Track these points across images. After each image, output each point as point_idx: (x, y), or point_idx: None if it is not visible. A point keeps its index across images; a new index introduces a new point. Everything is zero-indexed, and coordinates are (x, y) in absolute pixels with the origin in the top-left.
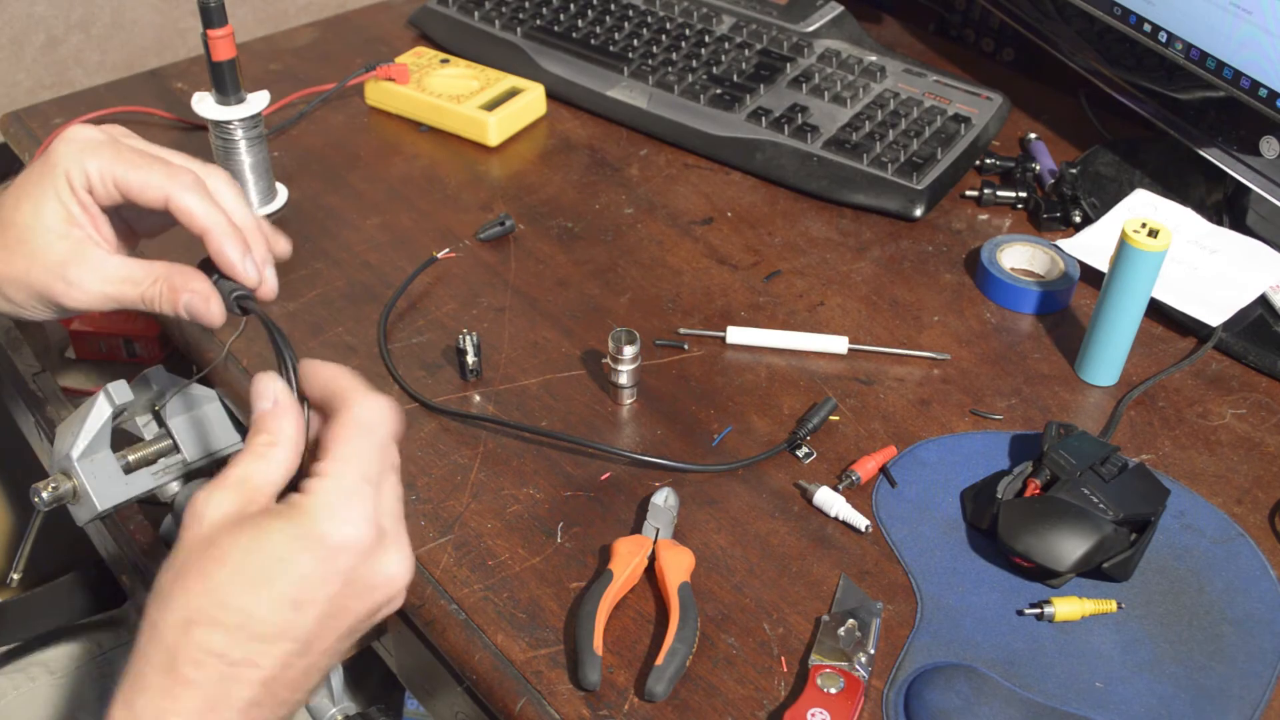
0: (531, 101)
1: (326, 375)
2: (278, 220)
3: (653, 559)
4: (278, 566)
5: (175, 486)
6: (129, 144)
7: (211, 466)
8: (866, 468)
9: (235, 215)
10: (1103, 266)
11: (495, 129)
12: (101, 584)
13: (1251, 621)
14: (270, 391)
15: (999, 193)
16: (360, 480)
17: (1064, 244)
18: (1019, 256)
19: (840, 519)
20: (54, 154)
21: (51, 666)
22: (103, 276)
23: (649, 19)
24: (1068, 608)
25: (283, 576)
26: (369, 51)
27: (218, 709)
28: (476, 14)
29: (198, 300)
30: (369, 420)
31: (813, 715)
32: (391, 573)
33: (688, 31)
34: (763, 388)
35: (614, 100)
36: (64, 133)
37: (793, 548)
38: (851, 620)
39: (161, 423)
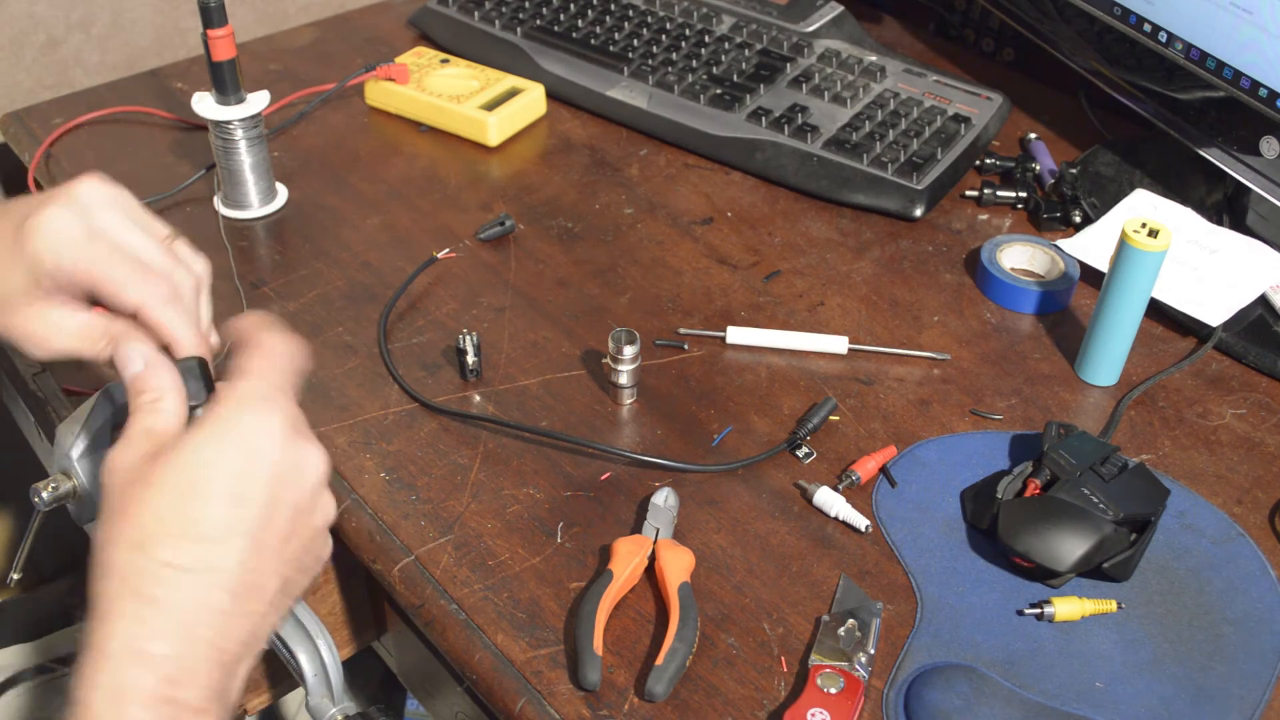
0: (531, 101)
1: (240, 325)
2: (278, 220)
3: (653, 559)
4: (208, 468)
5: None
6: (111, 239)
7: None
8: (866, 468)
9: (201, 324)
10: (1103, 266)
11: (495, 129)
12: None
13: (1251, 621)
14: (136, 355)
15: (999, 193)
16: (270, 385)
17: (1064, 244)
18: (1019, 256)
19: (840, 519)
20: (33, 237)
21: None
22: (63, 333)
23: (649, 19)
24: (1068, 608)
25: (215, 475)
26: (369, 51)
27: (189, 626)
28: (476, 14)
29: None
30: (277, 348)
31: (813, 715)
32: (314, 459)
33: (688, 31)
34: (763, 388)
35: (614, 100)
36: (40, 218)
37: (793, 548)
38: (851, 620)
39: None
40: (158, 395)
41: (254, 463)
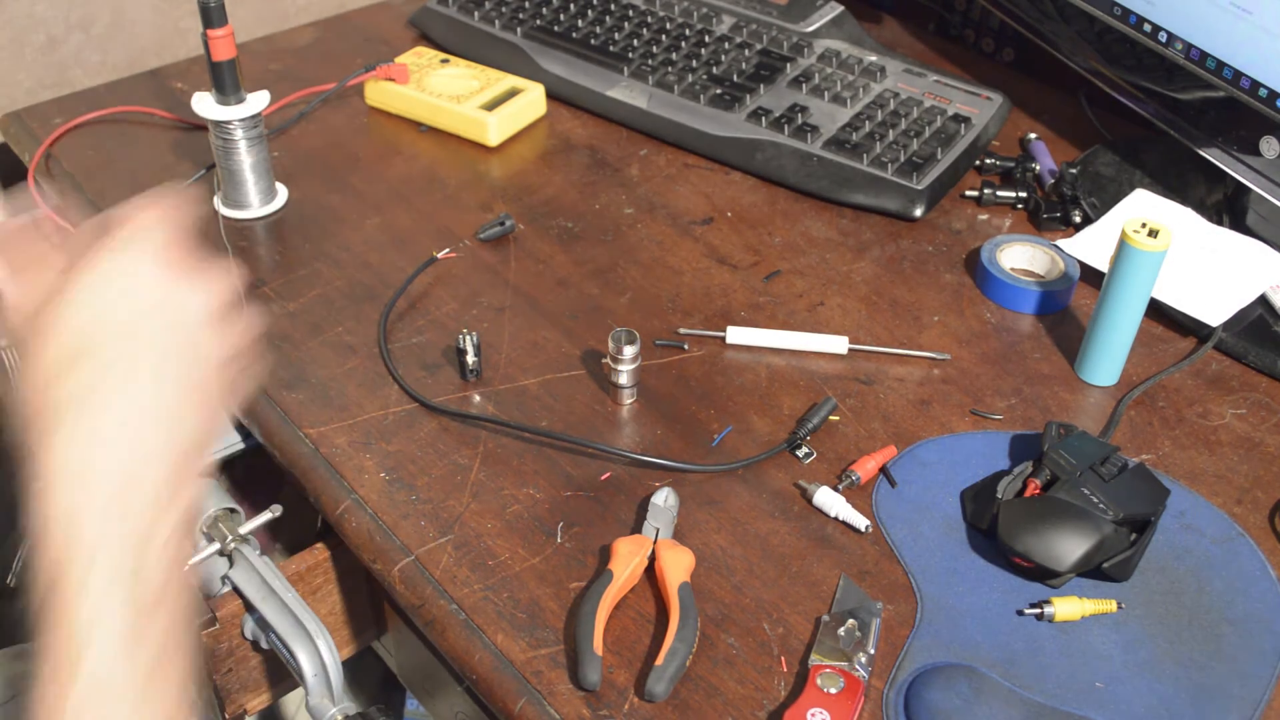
0: (531, 101)
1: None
2: (278, 220)
3: (653, 559)
4: (51, 283)
5: None
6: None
7: (212, 467)
8: (866, 468)
9: None
10: (1103, 266)
11: (495, 129)
12: None
13: (1251, 621)
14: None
15: (999, 193)
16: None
17: (1064, 244)
18: (1019, 256)
19: (840, 519)
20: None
21: None
22: None
23: (649, 19)
24: (1068, 608)
25: (56, 291)
26: (369, 51)
27: (98, 428)
28: (476, 14)
29: None
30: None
31: (813, 715)
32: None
33: (688, 31)
34: (763, 388)
35: (614, 100)
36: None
37: (793, 548)
38: (851, 620)
39: None
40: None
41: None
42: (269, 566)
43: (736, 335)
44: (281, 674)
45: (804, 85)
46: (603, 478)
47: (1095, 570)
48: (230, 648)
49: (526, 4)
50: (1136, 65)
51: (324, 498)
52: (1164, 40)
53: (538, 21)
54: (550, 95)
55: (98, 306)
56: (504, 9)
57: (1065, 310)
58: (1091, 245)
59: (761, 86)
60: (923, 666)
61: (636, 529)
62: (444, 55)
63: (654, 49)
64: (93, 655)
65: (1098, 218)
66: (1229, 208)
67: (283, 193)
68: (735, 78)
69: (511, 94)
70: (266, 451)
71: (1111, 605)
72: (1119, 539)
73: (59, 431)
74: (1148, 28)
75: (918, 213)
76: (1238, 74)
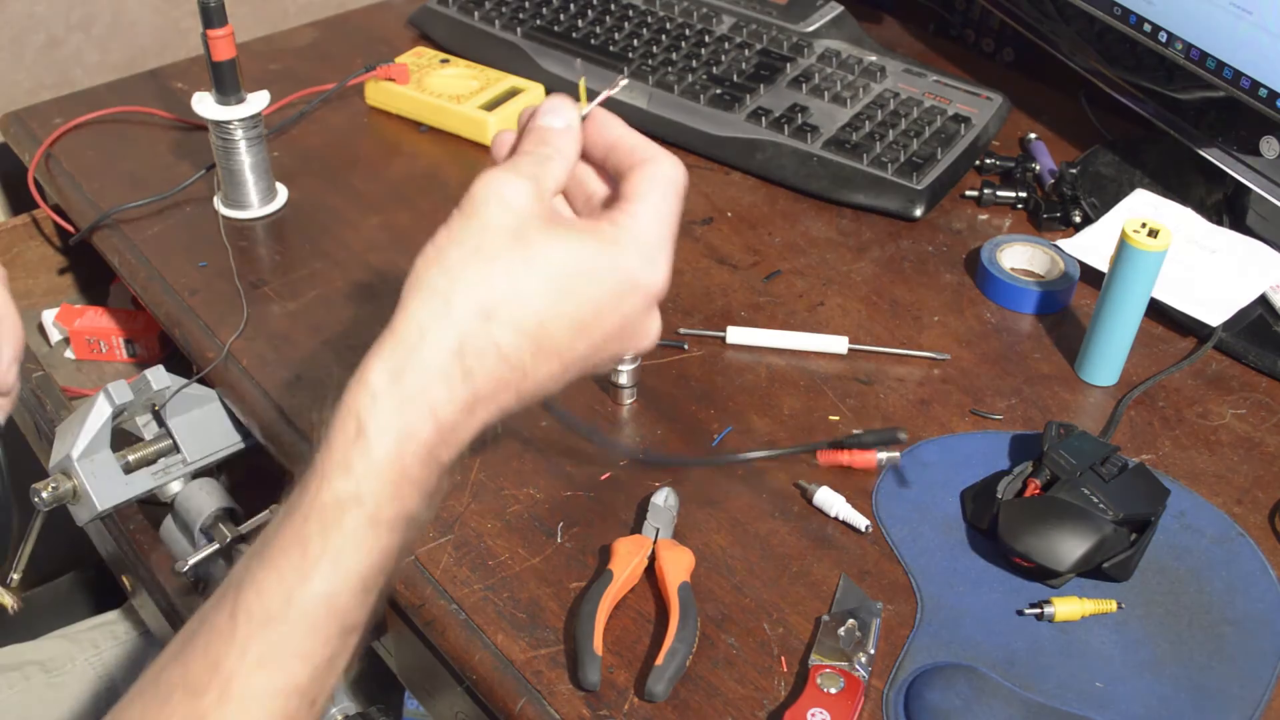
0: (531, 101)
1: (616, 131)
2: (278, 220)
3: (653, 559)
4: (584, 287)
5: (175, 486)
6: None
7: (212, 467)
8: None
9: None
10: (1103, 266)
11: (495, 129)
12: (101, 584)
13: (1251, 621)
14: (565, 112)
15: (999, 193)
16: (668, 231)
17: (1064, 244)
18: (1019, 256)
19: (840, 519)
20: None
21: (48, 666)
22: None
23: (649, 19)
24: (1068, 608)
25: (585, 298)
26: (369, 51)
27: (476, 409)
28: (476, 14)
29: None
30: (672, 176)
31: (813, 715)
32: (654, 329)
33: (688, 31)
34: (763, 388)
35: (614, 100)
36: None
37: (793, 548)
38: (851, 620)
39: (161, 423)
40: (552, 156)
41: (620, 303)
42: None
43: (736, 335)
44: None
45: (804, 85)
46: (603, 478)
47: (1095, 570)
48: None
49: (526, 4)
50: (1136, 65)
51: None
52: (1164, 40)
53: (538, 21)
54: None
55: (584, 292)
56: (504, 9)
57: (1065, 310)
58: (1091, 245)
59: (761, 86)
60: (923, 666)
61: (636, 529)
62: (444, 55)
63: (654, 49)
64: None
65: (1098, 218)
66: (1229, 208)
67: (283, 193)
68: (735, 78)
69: (511, 94)
70: (266, 451)
71: (1111, 605)
72: (1119, 539)
73: (447, 358)
74: (1148, 28)
75: (918, 213)
76: (1238, 74)
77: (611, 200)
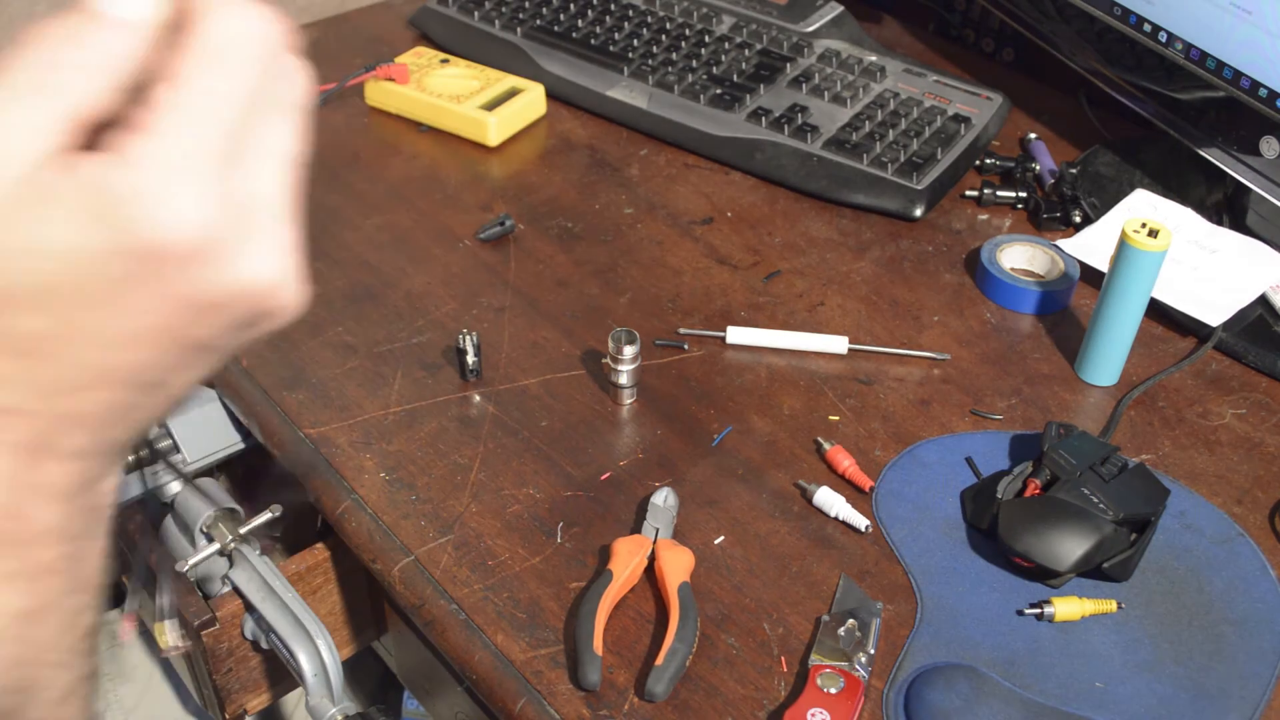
0: (531, 101)
1: None
2: None
3: (653, 559)
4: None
5: (175, 486)
6: None
7: (212, 467)
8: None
9: None
10: (1103, 266)
11: (495, 129)
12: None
13: (1251, 621)
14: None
15: (999, 193)
16: (201, 140)
17: (1064, 244)
18: (1019, 256)
19: (840, 519)
20: None
21: None
22: None
23: (649, 19)
24: (1068, 608)
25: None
26: (369, 51)
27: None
28: (476, 14)
29: None
30: (226, 37)
31: (813, 715)
32: (255, 274)
33: (688, 31)
34: (763, 388)
35: (614, 100)
36: None
37: (793, 548)
38: (851, 620)
39: (161, 423)
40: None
41: (138, 283)
42: (269, 566)
43: (736, 335)
44: (281, 674)
45: (804, 85)
46: (603, 478)
47: (1095, 570)
48: (230, 648)
49: (526, 4)
50: (1136, 65)
51: (324, 498)
52: (1164, 40)
53: (538, 21)
54: (550, 95)
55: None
56: (504, 9)
57: (1065, 310)
58: (1091, 245)
59: (761, 86)
60: (923, 666)
61: (636, 529)
62: (444, 55)
63: (654, 49)
64: None
65: (1098, 218)
66: (1229, 208)
67: None
68: (735, 78)
69: (511, 94)
70: (266, 451)
71: (1111, 605)
72: (1119, 539)
73: None
74: (1148, 28)
75: (918, 213)
76: (1238, 74)
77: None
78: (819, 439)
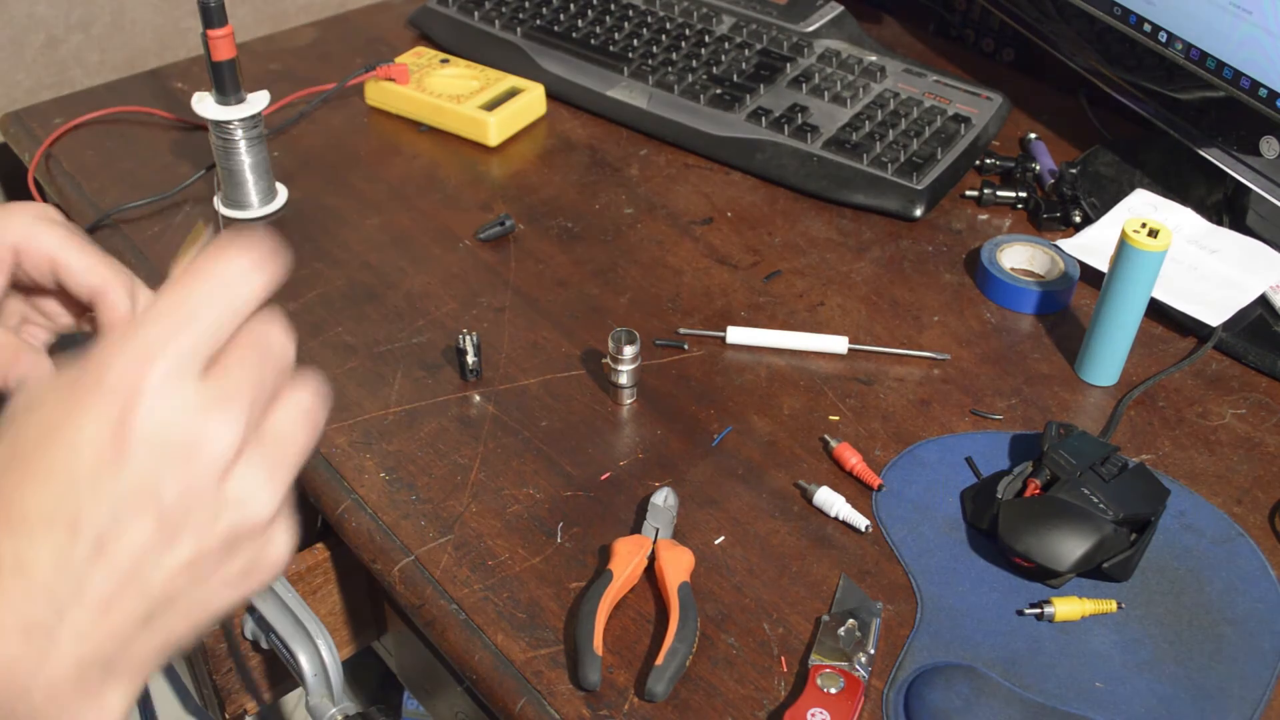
0: (531, 101)
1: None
2: (277, 220)
3: (653, 559)
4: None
5: None
6: (74, 229)
7: None
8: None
9: None
10: (1103, 266)
11: (495, 129)
12: None
13: (1251, 621)
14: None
15: (999, 193)
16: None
17: (1064, 244)
18: (1019, 256)
19: (840, 519)
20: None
21: None
22: None
23: (649, 19)
24: (1068, 608)
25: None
26: (369, 51)
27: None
28: (476, 14)
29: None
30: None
31: (813, 715)
32: (219, 434)
33: (688, 31)
34: (763, 388)
35: (614, 100)
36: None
37: (793, 548)
38: (851, 620)
39: None
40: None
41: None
42: None
43: (736, 335)
44: (281, 674)
45: (804, 85)
46: (602, 478)
47: (1095, 570)
48: (230, 648)
49: (526, 4)
50: (1136, 65)
51: (324, 498)
52: (1164, 40)
53: (538, 21)
54: (550, 95)
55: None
56: (504, 9)
57: (1065, 310)
58: (1091, 245)
59: (761, 86)
60: (923, 666)
61: (636, 529)
62: (444, 55)
63: (654, 49)
64: None
65: (1098, 218)
66: (1229, 208)
67: (283, 193)
68: (735, 78)
69: (511, 94)
70: None
71: (1111, 605)
72: (1119, 539)
73: None
74: (1148, 28)
75: (918, 213)
76: (1238, 74)
77: None
78: (825, 436)
